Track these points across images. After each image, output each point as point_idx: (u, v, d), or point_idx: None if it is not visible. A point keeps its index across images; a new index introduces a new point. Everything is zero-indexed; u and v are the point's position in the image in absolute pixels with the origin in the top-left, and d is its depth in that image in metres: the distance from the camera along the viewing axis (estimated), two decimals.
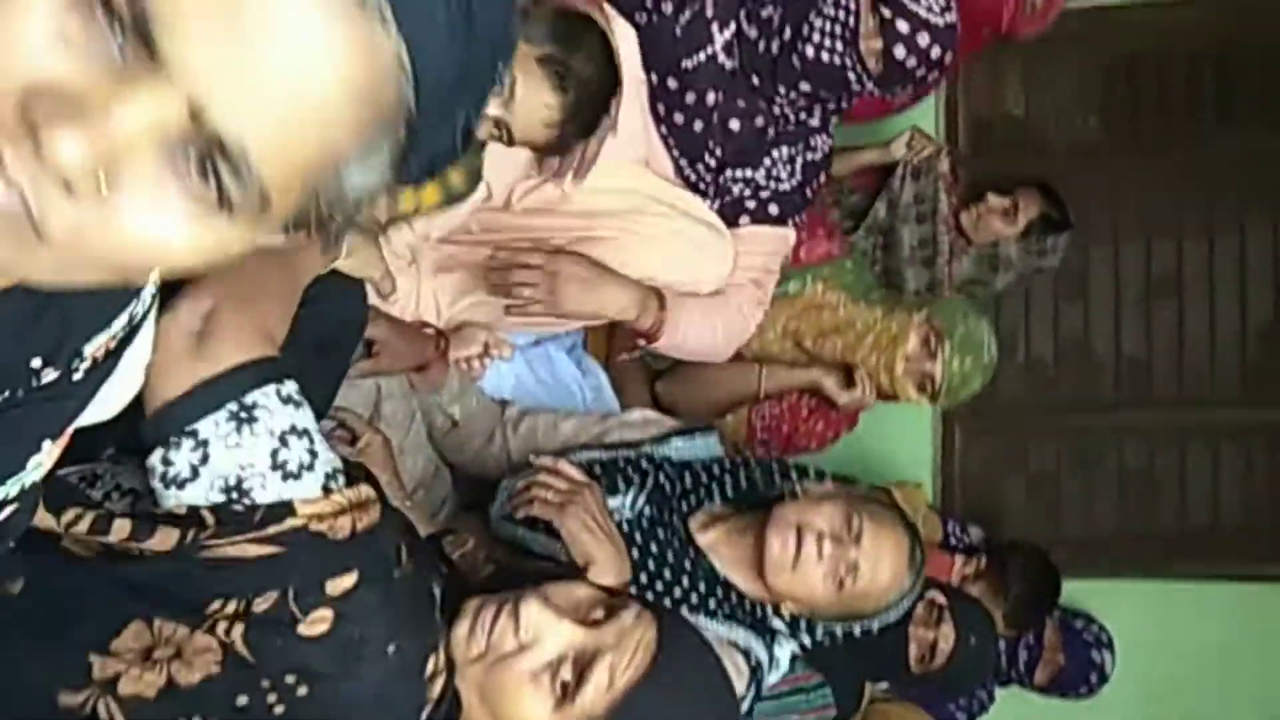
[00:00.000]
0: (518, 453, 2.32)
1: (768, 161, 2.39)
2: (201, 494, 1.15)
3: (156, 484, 1.16)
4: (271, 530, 1.14)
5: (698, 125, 2.32)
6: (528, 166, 2.21)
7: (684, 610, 1.99)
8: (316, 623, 1.13)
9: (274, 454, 1.15)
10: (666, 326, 2.32)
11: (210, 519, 1.13)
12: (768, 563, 2.01)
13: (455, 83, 0.66)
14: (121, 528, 1.15)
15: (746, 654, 2.02)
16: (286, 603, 1.13)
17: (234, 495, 1.15)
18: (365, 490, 1.21)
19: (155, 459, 1.16)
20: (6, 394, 0.82)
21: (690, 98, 2.30)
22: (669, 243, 2.31)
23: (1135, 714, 3.69)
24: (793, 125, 2.39)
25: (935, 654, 2.75)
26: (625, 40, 2.18)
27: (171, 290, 1.17)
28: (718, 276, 2.39)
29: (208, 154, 0.61)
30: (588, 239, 2.25)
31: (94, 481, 1.30)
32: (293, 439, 1.17)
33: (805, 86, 2.28)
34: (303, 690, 1.13)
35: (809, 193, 2.46)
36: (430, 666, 1.24)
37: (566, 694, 1.32)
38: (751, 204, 2.40)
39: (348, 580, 1.15)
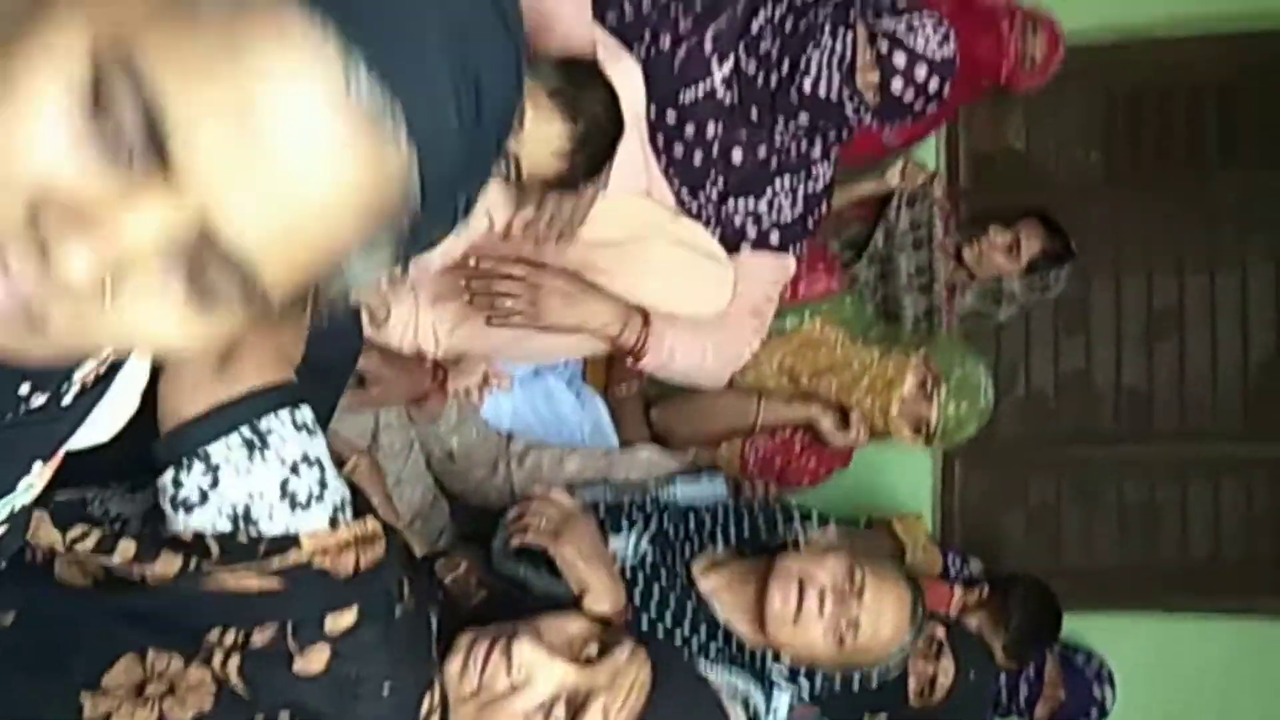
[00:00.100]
0: (521, 486, 2.32)
1: (770, 192, 2.38)
2: (209, 521, 1.15)
3: (165, 505, 1.16)
4: (275, 564, 1.14)
5: (698, 157, 2.32)
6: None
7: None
8: (313, 660, 1.13)
9: (284, 484, 1.16)
10: (651, 343, 2.28)
11: (215, 548, 1.13)
12: (769, 616, 2.01)
13: (461, 172, 0.66)
14: (127, 549, 1.15)
15: (745, 702, 2.01)
16: (284, 637, 1.13)
17: (241, 524, 1.15)
18: (372, 524, 1.21)
19: (166, 479, 1.16)
20: None
21: (689, 130, 2.30)
22: (669, 272, 2.31)
23: None
24: (794, 156, 2.38)
25: (934, 688, 2.72)
26: (630, 75, 2.19)
27: None
28: (718, 305, 2.39)
29: (211, 261, 0.61)
30: (588, 268, 2.25)
31: (83, 506, 1.29)
32: (304, 468, 1.17)
33: (804, 119, 2.28)
34: None
35: (810, 223, 2.46)
36: (425, 706, 1.24)
37: None
38: (753, 233, 2.40)
39: (348, 618, 1.15)
